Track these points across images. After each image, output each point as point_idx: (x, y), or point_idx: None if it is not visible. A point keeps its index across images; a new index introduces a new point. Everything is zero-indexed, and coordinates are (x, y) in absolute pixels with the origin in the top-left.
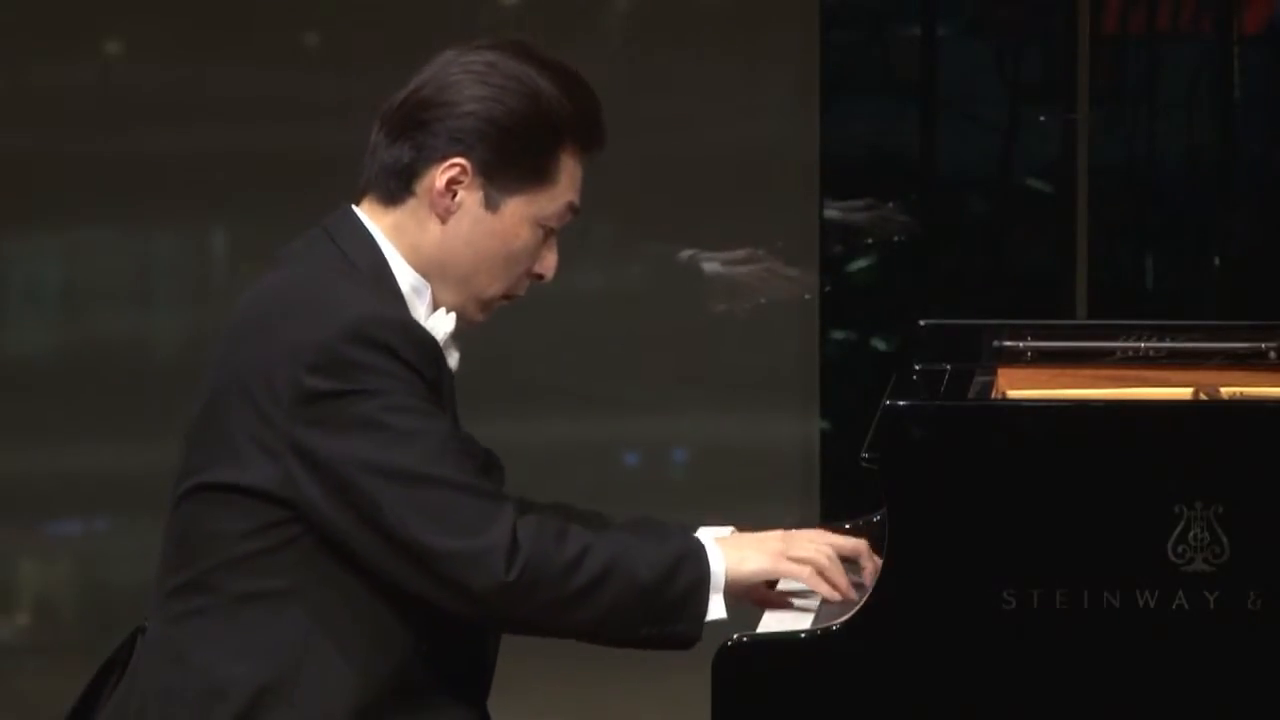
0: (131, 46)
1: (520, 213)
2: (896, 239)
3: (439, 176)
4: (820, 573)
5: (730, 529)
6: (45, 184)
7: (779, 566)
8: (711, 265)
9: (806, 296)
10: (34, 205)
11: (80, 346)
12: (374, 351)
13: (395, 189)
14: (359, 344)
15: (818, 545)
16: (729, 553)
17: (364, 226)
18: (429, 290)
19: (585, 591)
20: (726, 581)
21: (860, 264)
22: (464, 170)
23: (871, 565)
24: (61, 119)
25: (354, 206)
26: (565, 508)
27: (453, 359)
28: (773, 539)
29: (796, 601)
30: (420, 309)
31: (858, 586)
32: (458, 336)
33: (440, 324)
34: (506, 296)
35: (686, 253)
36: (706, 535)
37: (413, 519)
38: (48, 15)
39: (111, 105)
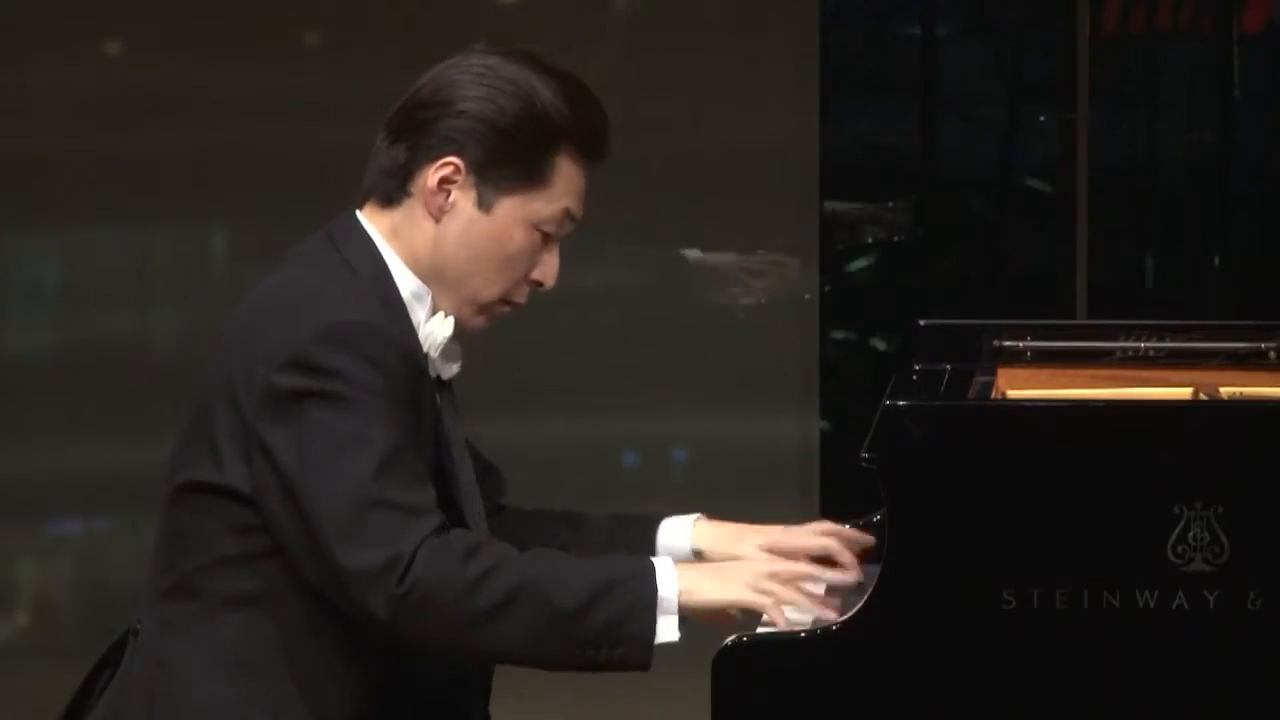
0: (131, 46)
1: (514, 214)
2: (896, 239)
3: (432, 175)
4: (780, 605)
5: (695, 516)
6: (45, 184)
7: (737, 596)
8: (712, 265)
9: (806, 296)
10: (34, 205)
11: (80, 346)
12: (343, 354)
13: (393, 190)
14: (329, 346)
15: (783, 577)
16: (684, 576)
17: (365, 231)
18: (429, 296)
19: (490, 613)
20: (681, 606)
21: (860, 264)
22: (457, 169)
23: (853, 567)
24: (61, 118)
25: (356, 211)
26: (548, 513)
27: (454, 365)
28: (740, 569)
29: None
30: (420, 315)
31: (857, 589)
32: (459, 341)
33: (438, 328)
34: (507, 303)
35: (687, 252)
36: (667, 560)
37: (330, 530)
38: (48, 15)
39: (111, 105)
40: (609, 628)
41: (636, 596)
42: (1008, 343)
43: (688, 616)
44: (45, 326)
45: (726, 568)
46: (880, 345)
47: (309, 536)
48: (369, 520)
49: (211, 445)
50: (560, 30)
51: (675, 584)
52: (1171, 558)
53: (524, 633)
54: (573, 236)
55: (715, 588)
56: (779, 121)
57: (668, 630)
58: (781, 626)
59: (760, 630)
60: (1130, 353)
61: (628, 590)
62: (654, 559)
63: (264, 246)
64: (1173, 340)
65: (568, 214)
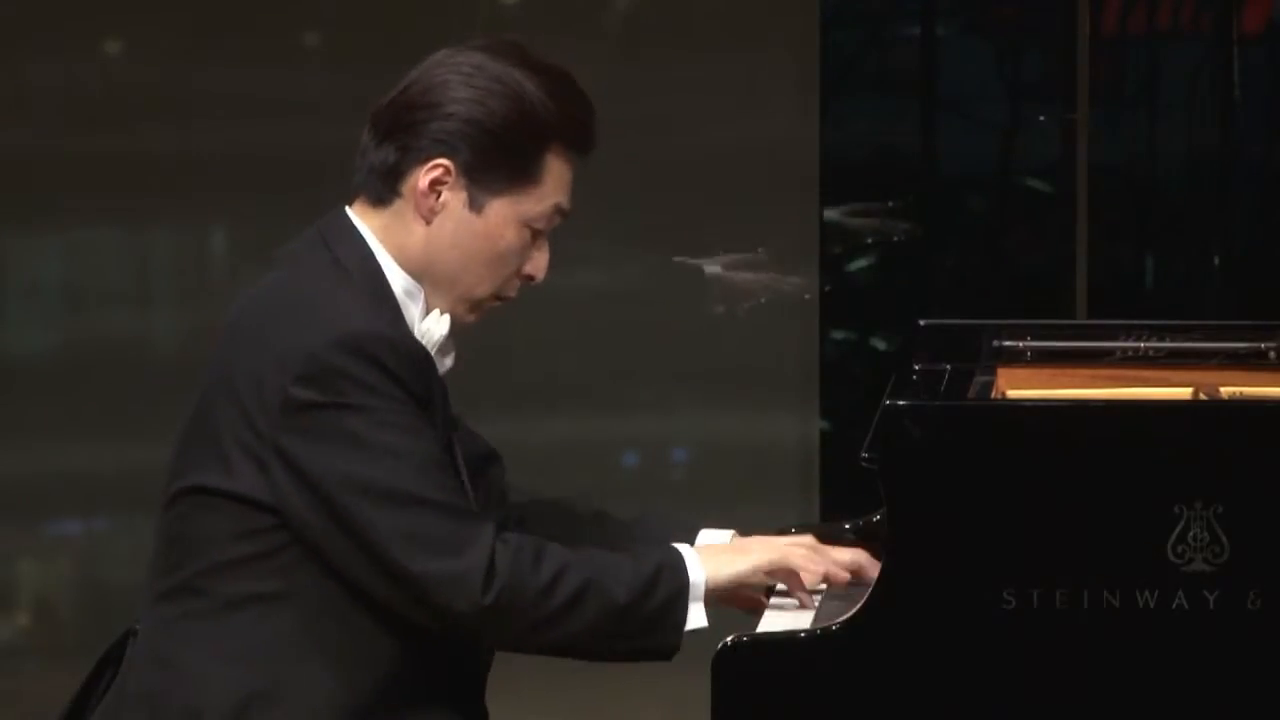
0: (131, 46)
1: (505, 214)
2: (896, 239)
3: (423, 177)
4: (800, 573)
5: (731, 532)
6: (45, 184)
7: (754, 562)
8: (711, 265)
9: (806, 296)
10: (34, 205)
11: (80, 346)
12: (362, 364)
13: (382, 190)
14: (348, 356)
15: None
16: (707, 561)
17: (356, 229)
18: (422, 293)
19: (561, 613)
20: (706, 590)
21: (860, 264)
22: (447, 171)
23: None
24: (62, 118)
25: (347, 208)
26: (562, 503)
27: (448, 360)
28: (755, 544)
29: (789, 601)
30: (414, 312)
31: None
32: (453, 336)
33: (435, 326)
34: (497, 298)
35: (686, 255)
36: (688, 547)
37: (391, 539)
38: (48, 14)
39: (112, 104)
40: (651, 618)
41: (673, 585)
42: (1008, 343)
43: (711, 599)
44: (45, 326)
45: (741, 542)
46: (880, 345)
47: (363, 548)
48: (430, 526)
49: (216, 449)
50: (560, 30)
51: (702, 570)
52: (1171, 558)
53: (587, 627)
54: (573, 237)
55: (733, 560)
56: (779, 121)
57: (697, 616)
58: (808, 569)
59: (760, 630)
60: (1130, 353)
61: (665, 581)
62: (677, 546)
63: (263, 246)
64: (1173, 340)
65: (558, 210)
